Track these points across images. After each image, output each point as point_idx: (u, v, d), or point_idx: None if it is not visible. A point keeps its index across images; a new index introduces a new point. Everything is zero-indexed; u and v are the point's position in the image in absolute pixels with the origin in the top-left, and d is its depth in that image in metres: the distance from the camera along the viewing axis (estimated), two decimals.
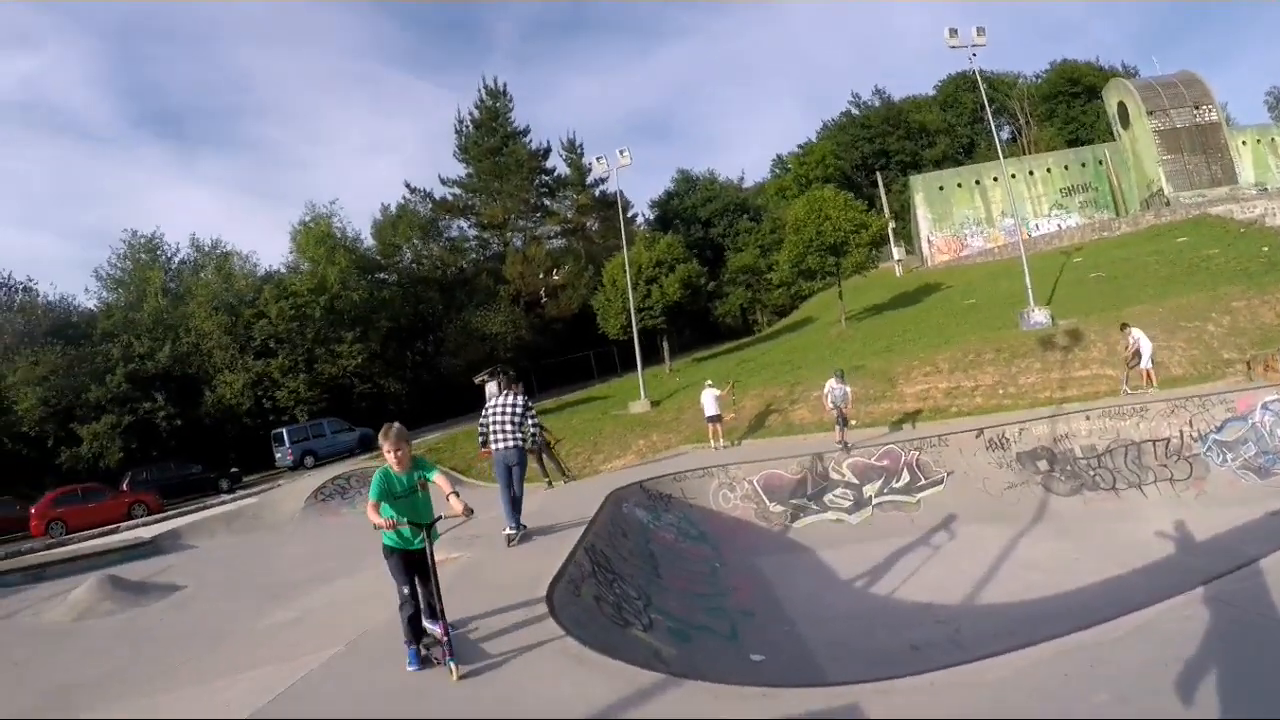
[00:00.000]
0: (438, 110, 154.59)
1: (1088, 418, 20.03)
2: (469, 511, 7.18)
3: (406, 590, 7.18)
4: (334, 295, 47.75)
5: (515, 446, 13.15)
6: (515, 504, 12.79)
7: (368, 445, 37.17)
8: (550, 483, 21.52)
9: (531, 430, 13.97)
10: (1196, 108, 58.83)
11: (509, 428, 13.21)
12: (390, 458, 7.24)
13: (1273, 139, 63.51)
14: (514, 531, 12.49)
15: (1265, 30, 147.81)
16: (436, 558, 7.23)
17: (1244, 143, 61.77)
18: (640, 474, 20.28)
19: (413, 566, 7.21)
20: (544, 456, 22.08)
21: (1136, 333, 22.52)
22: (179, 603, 15.06)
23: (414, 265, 64.06)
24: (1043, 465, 19.35)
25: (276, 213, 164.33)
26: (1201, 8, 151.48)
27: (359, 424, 40.01)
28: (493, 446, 13.25)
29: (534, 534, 12.73)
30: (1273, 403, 18.93)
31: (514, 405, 13.47)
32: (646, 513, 16.91)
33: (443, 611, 6.93)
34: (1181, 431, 18.89)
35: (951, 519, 17.92)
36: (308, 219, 53.78)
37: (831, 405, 21.66)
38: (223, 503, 30.24)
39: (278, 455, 38.41)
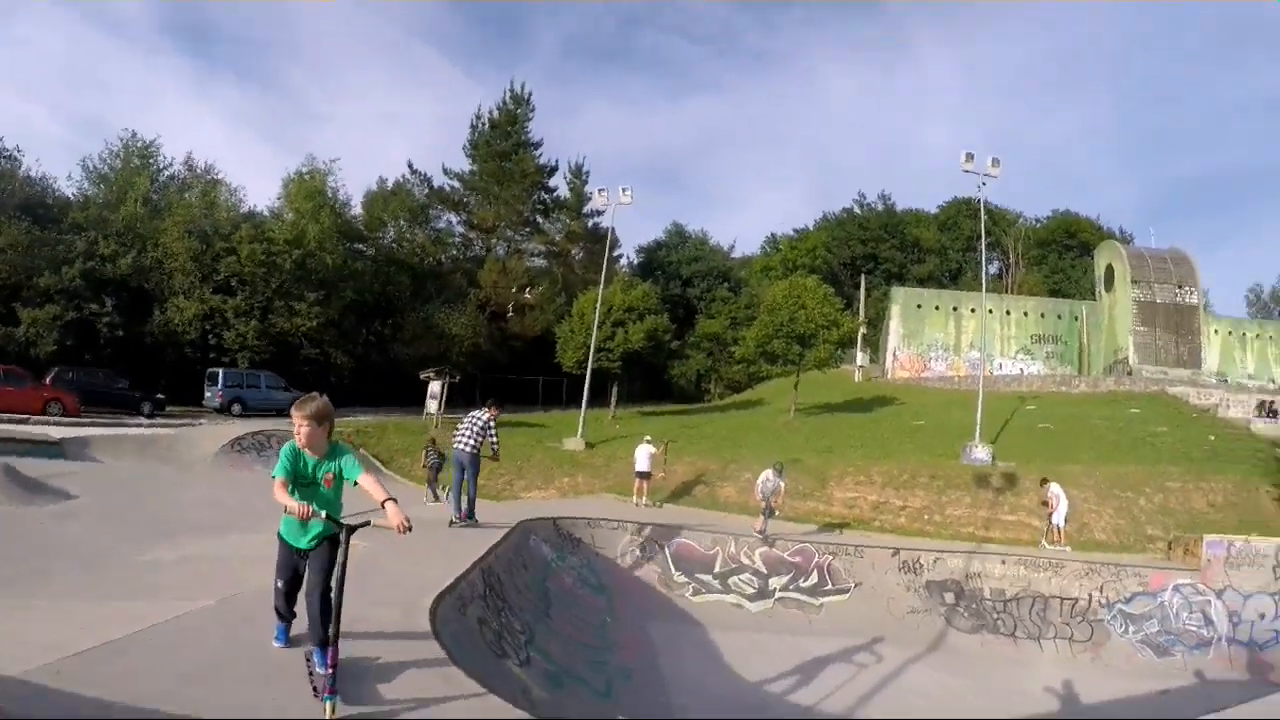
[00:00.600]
0: (460, 100, 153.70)
1: (1003, 561, 20.23)
2: (407, 527, 5.65)
3: (281, 585, 6.20)
4: (308, 252, 47.04)
5: (468, 450, 15.87)
6: (462, 499, 15.90)
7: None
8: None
9: (492, 442, 16.47)
10: (1180, 286, 60.10)
11: (468, 435, 15.98)
12: (299, 434, 5.81)
13: (1244, 334, 64.83)
14: (455, 519, 15.61)
15: (1261, 226, 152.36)
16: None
17: (1215, 331, 63.04)
18: (557, 510, 20.22)
19: (294, 569, 6.14)
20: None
21: (1055, 488, 22.91)
22: (66, 512, 14.80)
23: (394, 245, 63.20)
24: (949, 598, 19.47)
25: (276, 158, 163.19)
26: (1208, 190, 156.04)
27: (296, 386, 38.96)
28: (454, 445, 16.20)
29: (432, 542, 12.63)
30: (1185, 586, 19.29)
31: (480, 418, 16.26)
32: (552, 550, 16.83)
33: (335, 638, 5.49)
34: (1091, 595, 19.25)
35: (850, 630, 17.93)
36: (304, 170, 52.79)
37: (761, 496, 21.58)
38: (140, 425, 29.81)
39: (207, 394, 37.99)
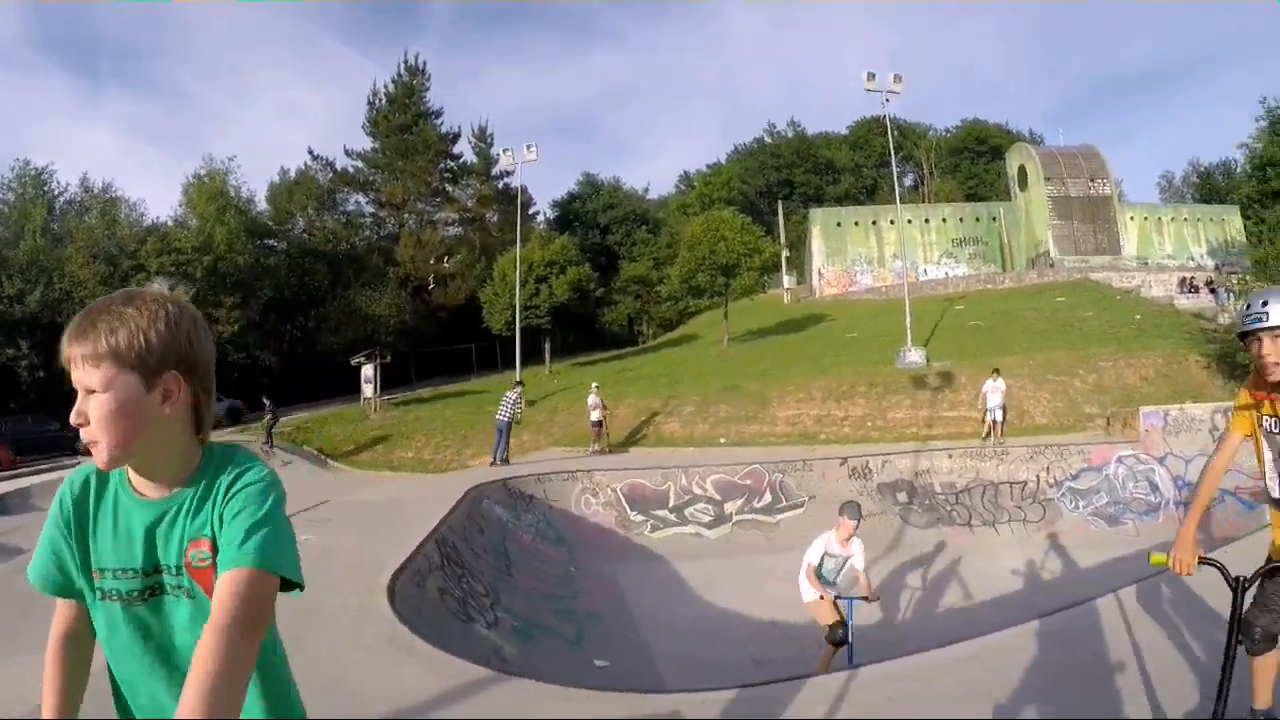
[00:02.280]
0: (356, 80, 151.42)
1: (950, 456, 20.63)
2: None
3: None
4: (219, 256, 45.77)
5: (504, 419, 22.92)
6: (498, 448, 22.72)
7: (235, 417, 35.97)
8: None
9: (517, 410, 23.69)
10: (1092, 180, 61.63)
11: (503, 406, 23.00)
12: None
13: (1158, 218, 66.21)
14: (494, 462, 22.42)
15: (1167, 118, 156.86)
16: None
17: (1131, 218, 64.29)
18: (505, 472, 20.14)
19: None
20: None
21: (989, 384, 23.19)
22: (19, 568, 14.41)
23: (305, 235, 62.03)
24: (902, 497, 19.78)
25: (174, 164, 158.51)
26: (1113, 89, 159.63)
27: (228, 395, 38.19)
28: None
29: (382, 523, 12.54)
30: (1127, 457, 19.99)
31: (510, 397, 23.34)
32: (506, 511, 16.73)
33: None
34: (1038, 476, 19.75)
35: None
36: (203, 173, 51.12)
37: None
38: (78, 464, 28.78)
39: None
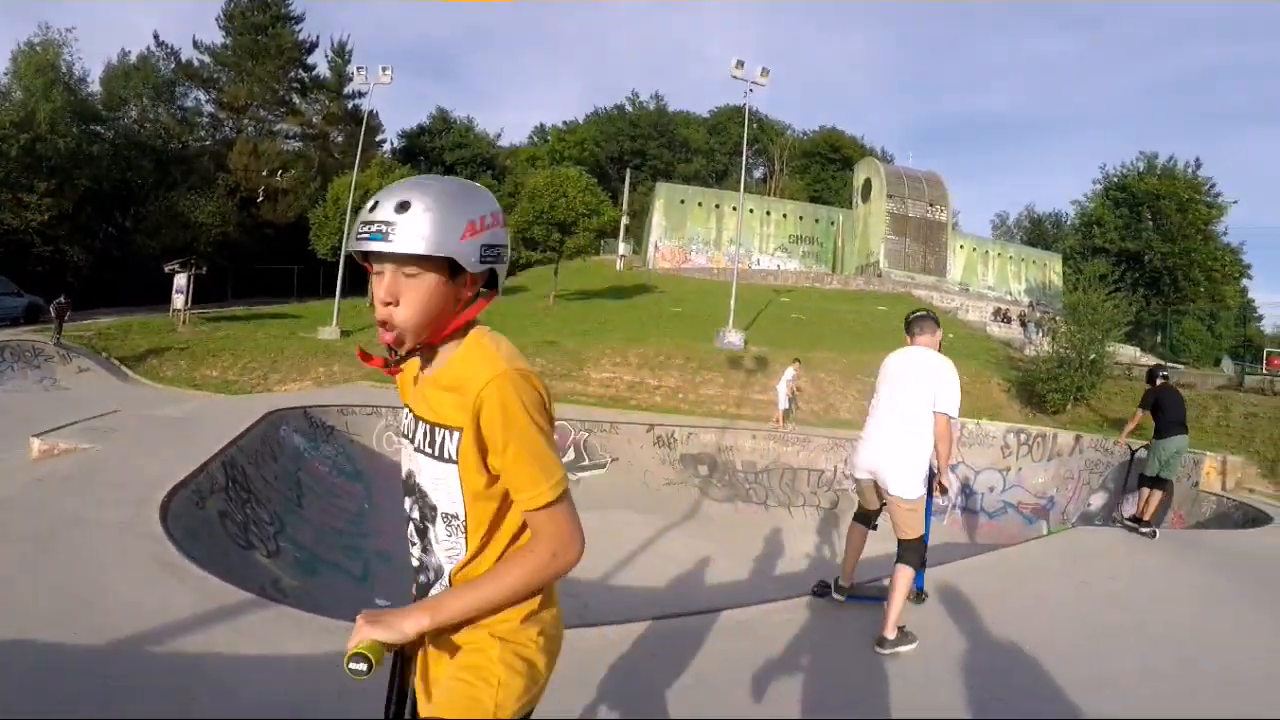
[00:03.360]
0: None
1: (754, 436, 21.33)
2: None
3: None
4: (38, 136, 42.13)
5: None
6: None
7: (34, 316, 32.87)
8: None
9: None
10: (931, 205, 64.78)
11: None
12: None
13: (986, 251, 70.62)
14: None
15: (1013, 162, 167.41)
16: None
17: (961, 246, 68.22)
18: (308, 399, 19.69)
19: None
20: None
21: (788, 372, 23.97)
22: None
23: (136, 126, 57.73)
24: (704, 470, 20.35)
25: (3, 27, 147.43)
26: (970, 127, 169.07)
27: (29, 290, 35.23)
28: None
29: (172, 439, 12.03)
30: None
31: None
32: (305, 440, 16.27)
33: None
34: (836, 467, 20.56)
35: (607, 503, 18.33)
36: (35, 41, 46.77)
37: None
38: None
39: None
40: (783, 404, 23.28)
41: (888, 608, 5.84)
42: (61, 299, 27.38)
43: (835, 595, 6.64)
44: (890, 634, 5.79)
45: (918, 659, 5.80)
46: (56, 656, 4.75)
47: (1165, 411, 13.05)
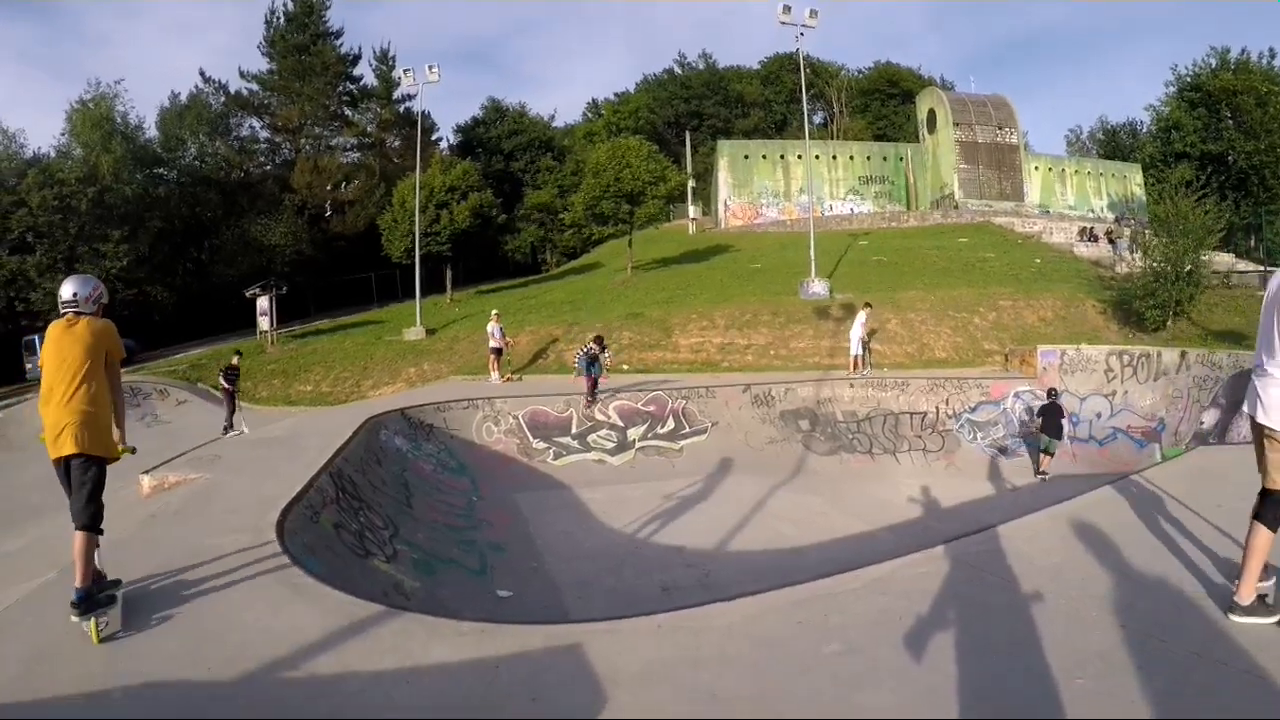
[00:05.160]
0: None
1: (851, 385, 21.21)
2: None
3: None
4: (105, 187, 42.99)
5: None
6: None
7: (128, 358, 33.24)
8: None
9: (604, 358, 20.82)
10: (1000, 128, 62.62)
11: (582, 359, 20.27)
12: None
13: (1063, 169, 67.70)
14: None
15: (1079, 76, 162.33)
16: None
17: (1036, 168, 65.75)
18: (403, 401, 19.89)
19: None
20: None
21: (860, 315, 23.63)
22: None
23: (197, 163, 58.76)
24: (804, 425, 20.23)
25: (56, 90, 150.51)
26: (1028, 45, 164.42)
27: (121, 334, 35.54)
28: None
29: (277, 458, 12.10)
30: (1024, 392, 20.90)
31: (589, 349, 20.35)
32: (406, 441, 16.49)
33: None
34: (938, 408, 20.51)
35: (712, 468, 18.22)
36: (88, 98, 47.90)
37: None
38: None
39: (29, 365, 34.28)
40: (855, 349, 22.87)
41: (1244, 569, 4.96)
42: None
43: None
44: (1244, 600, 4.94)
45: (1065, 600, 5.50)
46: (198, 696, 4.68)
47: None
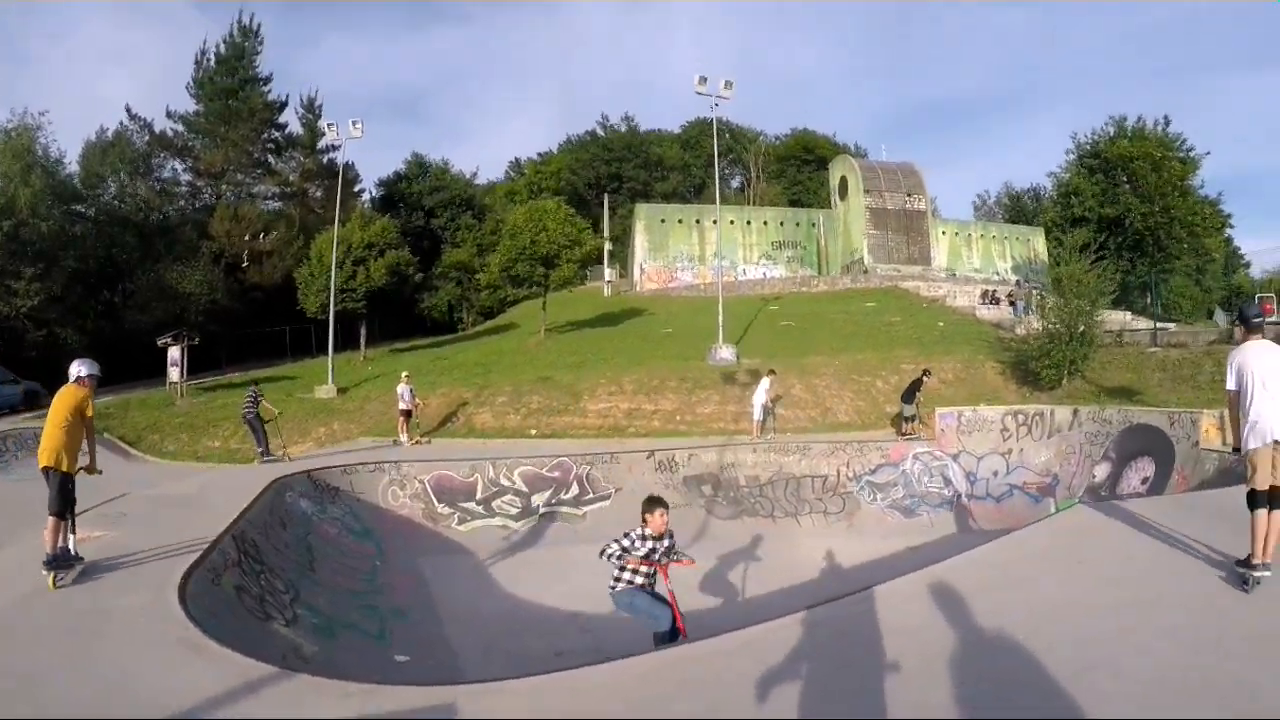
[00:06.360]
0: (189, 33, 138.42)
1: (754, 450, 21.67)
2: None
3: None
4: (20, 221, 41.83)
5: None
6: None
7: (33, 402, 31.95)
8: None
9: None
10: (909, 195, 64.96)
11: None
12: None
13: (969, 234, 70.79)
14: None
15: (985, 145, 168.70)
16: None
17: (943, 233, 68.60)
18: (312, 463, 19.82)
19: None
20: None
21: (763, 382, 24.31)
22: None
23: (117, 202, 57.56)
24: (707, 490, 20.64)
25: None
26: (938, 114, 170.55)
27: (26, 376, 34.38)
28: None
29: (183, 518, 12.28)
30: (923, 454, 21.81)
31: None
32: (312, 504, 16.52)
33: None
34: (839, 470, 21.16)
35: (612, 534, 18.47)
36: (10, 127, 46.04)
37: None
38: None
39: None
40: (758, 414, 23.60)
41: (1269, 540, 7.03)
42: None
43: (1262, 574, 7.00)
44: (1258, 559, 7.03)
45: (919, 658, 6.06)
46: None
47: None
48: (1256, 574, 6.96)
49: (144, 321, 46.41)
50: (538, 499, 19.64)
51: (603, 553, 8.66)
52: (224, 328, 51.81)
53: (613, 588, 8.63)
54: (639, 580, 8.55)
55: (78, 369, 10.06)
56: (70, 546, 9.32)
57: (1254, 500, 7.17)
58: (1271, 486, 7.08)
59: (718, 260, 47.82)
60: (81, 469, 9.73)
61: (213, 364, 46.99)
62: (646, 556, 8.55)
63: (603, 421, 26.42)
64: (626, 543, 8.60)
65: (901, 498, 21.16)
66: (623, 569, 8.57)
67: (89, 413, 9.88)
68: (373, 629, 12.38)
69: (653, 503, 8.71)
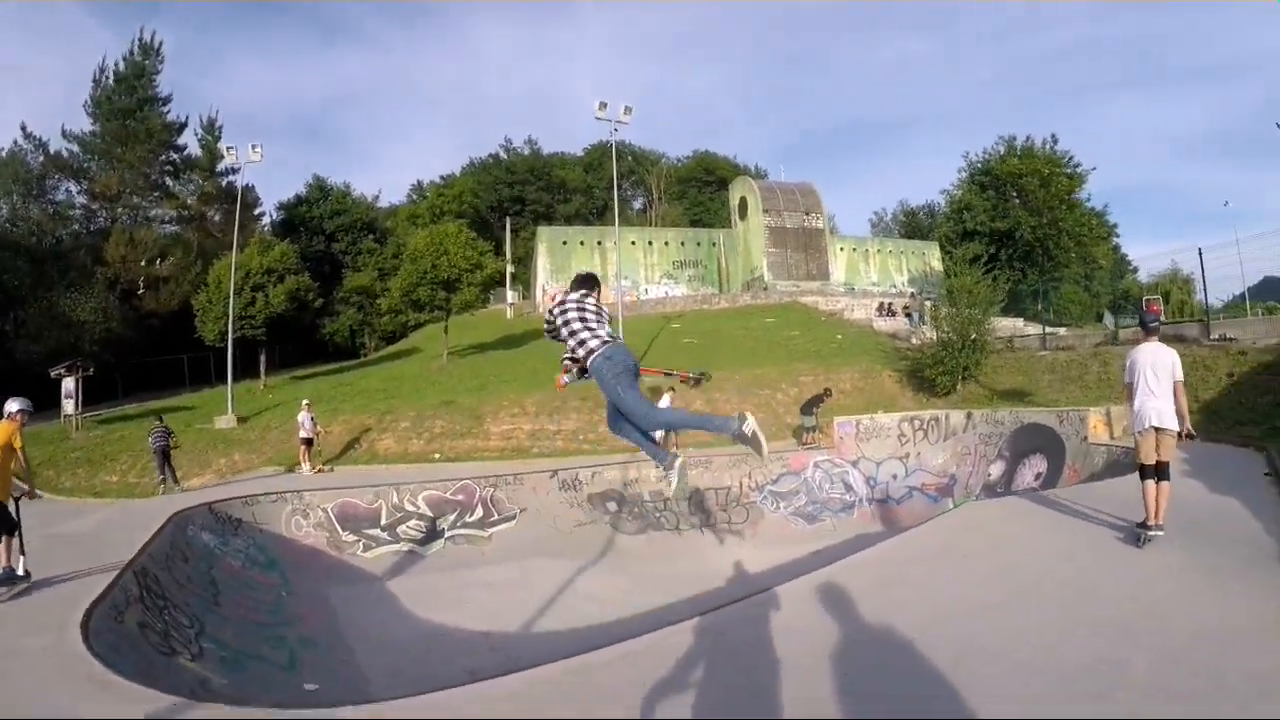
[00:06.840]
0: (90, 49, 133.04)
1: (657, 465, 21.72)
2: None
3: None
4: None
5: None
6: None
7: None
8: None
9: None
10: (807, 213, 67.24)
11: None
12: None
13: (866, 249, 73.54)
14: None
15: (882, 163, 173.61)
16: None
17: (841, 249, 71.20)
18: (218, 495, 19.62)
19: None
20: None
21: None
22: None
23: (8, 225, 56.10)
24: (612, 506, 20.95)
25: None
26: (832, 139, 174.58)
27: None
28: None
29: (83, 555, 12.23)
30: (824, 462, 22.56)
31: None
32: (214, 537, 16.31)
33: None
34: (741, 482, 21.66)
35: (520, 553, 18.71)
36: None
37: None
38: None
39: None
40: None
41: (1159, 505, 8.72)
42: None
43: (1154, 533, 8.66)
44: (1151, 521, 8.73)
45: (803, 656, 6.47)
46: None
47: None
48: (1150, 533, 8.65)
49: (36, 351, 45.04)
50: (443, 523, 19.62)
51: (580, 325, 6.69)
52: (120, 357, 50.37)
53: (593, 351, 6.53)
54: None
55: (9, 406, 11.34)
56: (17, 567, 10.61)
57: (1142, 473, 8.91)
58: (1157, 462, 8.79)
59: (619, 281, 48.31)
60: (22, 495, 11.31)
61: (109, 394, 45.70)
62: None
63: (506, 443, 26.71)
64: (593, 309, 6.86)
65: (804, 505, 21.74)
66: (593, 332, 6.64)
67: (18, 444, 11.08)
68: (281, 659, 12.34)
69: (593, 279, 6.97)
